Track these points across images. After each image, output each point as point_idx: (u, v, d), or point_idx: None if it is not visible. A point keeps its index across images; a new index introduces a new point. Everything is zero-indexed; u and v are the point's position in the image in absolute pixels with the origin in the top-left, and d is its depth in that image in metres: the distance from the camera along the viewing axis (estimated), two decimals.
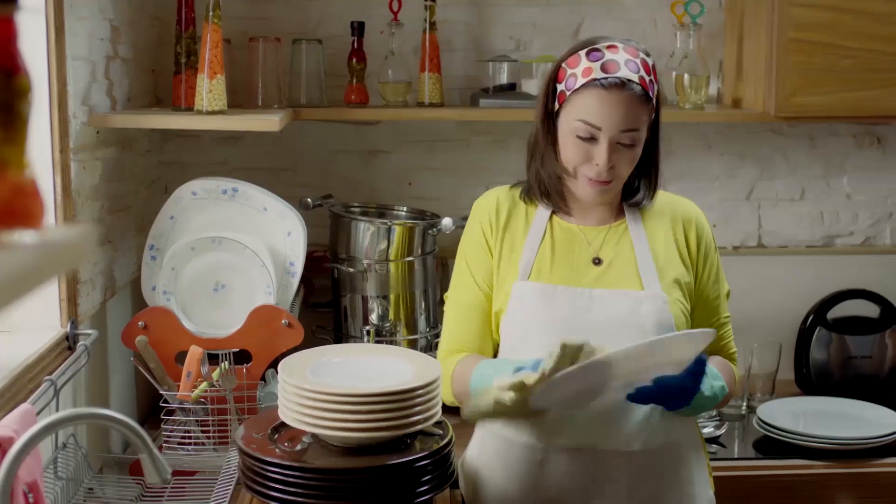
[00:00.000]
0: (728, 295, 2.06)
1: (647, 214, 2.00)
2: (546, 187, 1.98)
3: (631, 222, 1.99)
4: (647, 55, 1.91)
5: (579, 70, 1.87)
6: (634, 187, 2.00)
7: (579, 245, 1.98)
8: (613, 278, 1.95)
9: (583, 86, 1.86)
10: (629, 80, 1.84)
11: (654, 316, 1.91)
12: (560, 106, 1.91)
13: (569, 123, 1.89)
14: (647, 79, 1.87)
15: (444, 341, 2.06)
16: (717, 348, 2.03)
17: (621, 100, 1.84)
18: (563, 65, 1.92)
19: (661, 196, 2.03)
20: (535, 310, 1.93)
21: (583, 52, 1.88)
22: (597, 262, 1.97)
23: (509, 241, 2.00)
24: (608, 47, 1.87)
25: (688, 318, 1.97)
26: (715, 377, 1.88)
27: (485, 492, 2.01)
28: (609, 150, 1.86)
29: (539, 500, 1.95)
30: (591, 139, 1.87)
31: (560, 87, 1.91)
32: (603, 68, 1.85)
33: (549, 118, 1.95)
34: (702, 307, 2.01)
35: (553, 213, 2.01)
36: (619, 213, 2.01)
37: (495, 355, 2.04)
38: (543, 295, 1.93)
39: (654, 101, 1.91)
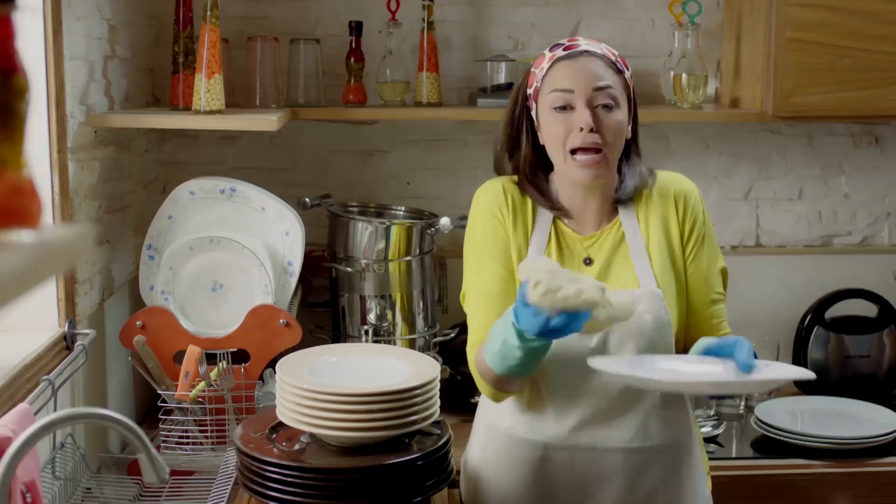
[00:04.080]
0: (724, 273, 2.02)
1: (640, 207, 1.99)
2: (541, 199, 1.98)
3: (625, 220, 1.98)
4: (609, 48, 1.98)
5: (545, 63, 1.94)
6: (621, 180, 1.99)
7: (573, 248, 1.97)
8: (610, 279, 1.94)
9: (548, 67, 1.92)
10: (591, 50, 1.91)
11: (651, 314, 1.90)
12: (536, 102, 1.95)
13: (545, 103, 1.92)
14: (611, 55, 1.93)
15: (470, 340, 1.97)
16: (709, 327, 1.98)
17: (588, 62, 1.90)
18: (531, 70, 1.98)
19: (656, 179, 2.01)
20: None
21: (546, 51, 1.97)
22: (587, 262, 1.96)
23: (518, 231, 1.97)
24: (569, 41, 1.95)
25: (683, 313, 1.97)
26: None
27: (486, 490, 2.01)
28: (589, 110, 1.88)
29: (540, 497, 1.95)
30: (569, 108, 1.89)
31: (530, 89, 1.97)
32: (564, 49, 1.93)
33: (531, 126, 1.98)
34: (694, 279, 1.98)
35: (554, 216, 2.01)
36: (612, 213, 2.00)
37: None
38: None
39: (627, 81, 1.93)
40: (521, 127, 1.99)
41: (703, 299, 1.98)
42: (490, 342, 1.80)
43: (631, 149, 1.99)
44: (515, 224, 1.97)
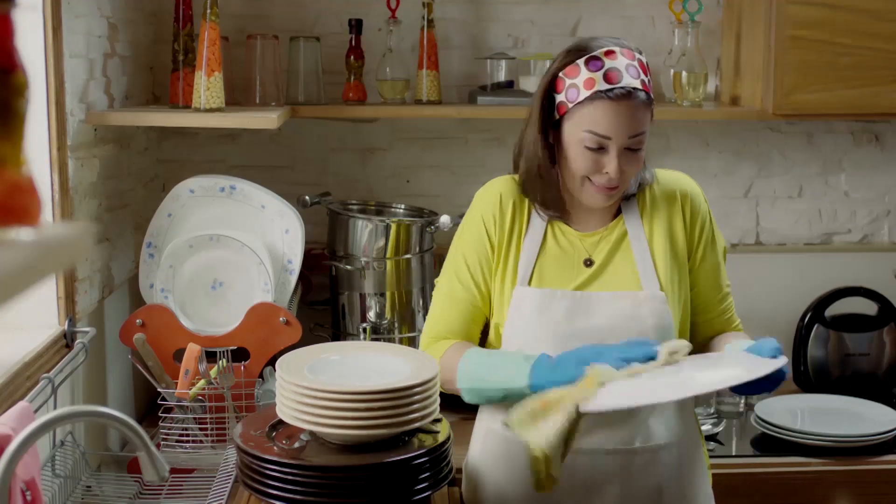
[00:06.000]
0: (725, 253, 2.03)
1: (644, 206, 1.98)
2: (545, 200, 1.97)
3: (628, 219, 1.97)
4: (640, 53, 1.91)
5: (580, 81, 1.85)
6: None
7: (574, 248, 1.97)
8: (611, 280, 1.94)
9: (587, 98, 1.84)
10: (635, 89, 1.84)
11: (654, 318, 1.90)
12: (562, 117, 1.89)
13: (575, 134, 1.87)
14: (647, 81, 1.88)
15: (428, 327, 2.04)
16: (722, 322, 2.03)
17: (628, 108, 1.84)
18: (561, 74, 1.89)
19: (656, 178, 2.01)
20: (535, 316, 1.92)
21: (581, 62, 1.86)
22: (588, 263, 1.96)
23: (509, 240, 1.97)
24: (606, 53, 1.85)
25: (688, 313, 1.97)
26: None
27: (486, 491, 2.01)
28: (619, 157, 1.85)
29: (540, 498, 1.95)
30: (600, 149, 1.86)
31: (559, 97, 1.89)
32: (606, 79, 1.83)
33: (547, 130, 1.92)
34: (705, 279, 1.99)
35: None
36: (615, 212, 2.00)
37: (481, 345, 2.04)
38: (542, 301, 1.92)
39: (653, 108, 1.92)
40: (547, 132, 1.93)
41: (715, 297, 2.01)
42: (478, 382, 1.92)
43: None
44: (511, 229, 1.98)
